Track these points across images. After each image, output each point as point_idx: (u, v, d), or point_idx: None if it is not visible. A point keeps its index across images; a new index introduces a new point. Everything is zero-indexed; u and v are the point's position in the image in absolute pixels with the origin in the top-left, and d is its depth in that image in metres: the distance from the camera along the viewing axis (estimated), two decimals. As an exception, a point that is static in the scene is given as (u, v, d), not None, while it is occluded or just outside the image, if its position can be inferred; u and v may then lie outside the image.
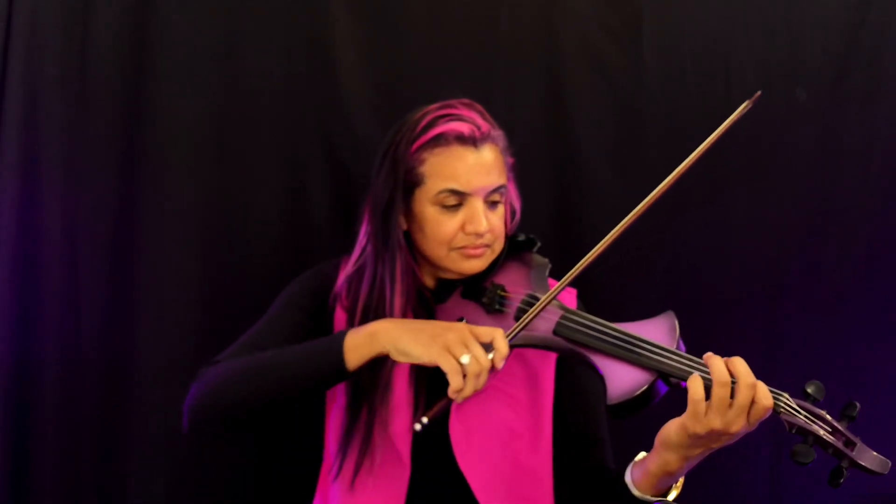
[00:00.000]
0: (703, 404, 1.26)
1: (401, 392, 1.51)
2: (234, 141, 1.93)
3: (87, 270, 1.89)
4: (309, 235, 1.95)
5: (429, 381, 1.51)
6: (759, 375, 1.28)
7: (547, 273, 1.56)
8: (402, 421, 1.50)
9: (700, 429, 1.26)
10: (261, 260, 1.94)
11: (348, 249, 1.65)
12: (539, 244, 1.60)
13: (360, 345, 1.37)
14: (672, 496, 1.38)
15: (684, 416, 1.28)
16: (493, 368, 1.31)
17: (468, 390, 1.29)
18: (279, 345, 1.46)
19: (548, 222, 1.94)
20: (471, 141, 1.50)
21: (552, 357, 1.57)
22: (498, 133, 1.54)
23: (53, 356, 1.87)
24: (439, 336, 1.32)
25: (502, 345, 1.32)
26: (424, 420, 1.30)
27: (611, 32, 1.98)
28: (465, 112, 1.53)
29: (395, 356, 1.35)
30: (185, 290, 1.92)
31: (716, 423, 1.26)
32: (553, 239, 1.66)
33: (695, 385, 1.27)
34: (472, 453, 1.49)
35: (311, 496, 1.63)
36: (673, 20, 1.99)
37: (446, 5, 1.97)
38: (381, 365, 1.48)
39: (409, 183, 1.51)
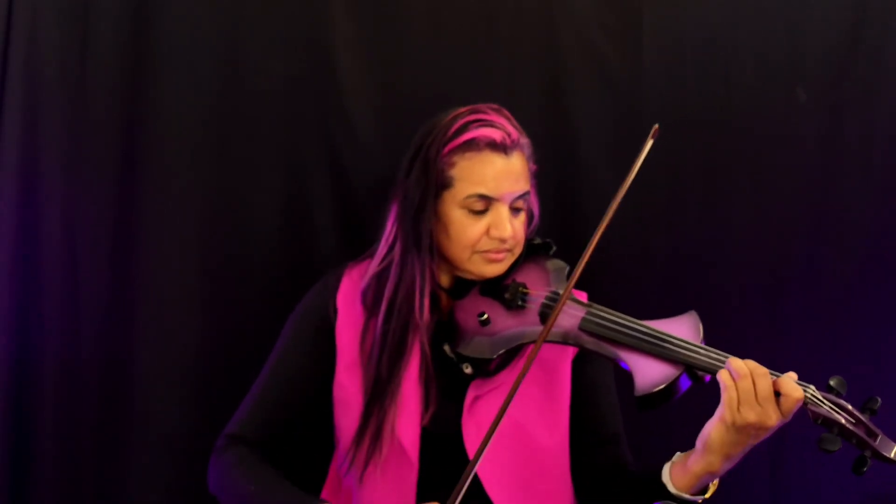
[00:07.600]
0: (734, 391, 1.30)
1: (410, 392, 1.52)
2: (234, 141, 1.93)
3: (87, 270, 1.88)
4: (309, 235, 1.95)
5: (438, 382, 1.52)
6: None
7: (566, 275, 1.58)
8: (409, 421, 1.51)
9: (738, 420, 1.30)
10: (260, 260, 1.94)
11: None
12: (555, 248, 1.63)
13: None
14: (710, 493, 1.41)
15: (719, 410, 1.32)
16: None
17: None
18: (286, 400, 1.58)
19: (548, 222, 1.92)
20: (501, 147, 1.52)
21: (569, 353, 1.58)
22: (525, 141, 1.58)
23: (53, 356, 1.87)
24: None
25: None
26: None
27: (611, 32, 1.98)
28: (495, 118, 1.55)
29: None
30: (185, 291, 1.92)
31: (750, 416, 1.29)
32: (553, 238, 1.67)
33: (724, 375, 1.32)
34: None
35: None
36: (673, 20, 1.99)
37: (446, 5, 1.97)
38: (396, 362, 1.50)
39: (438, 185, 1.53)
